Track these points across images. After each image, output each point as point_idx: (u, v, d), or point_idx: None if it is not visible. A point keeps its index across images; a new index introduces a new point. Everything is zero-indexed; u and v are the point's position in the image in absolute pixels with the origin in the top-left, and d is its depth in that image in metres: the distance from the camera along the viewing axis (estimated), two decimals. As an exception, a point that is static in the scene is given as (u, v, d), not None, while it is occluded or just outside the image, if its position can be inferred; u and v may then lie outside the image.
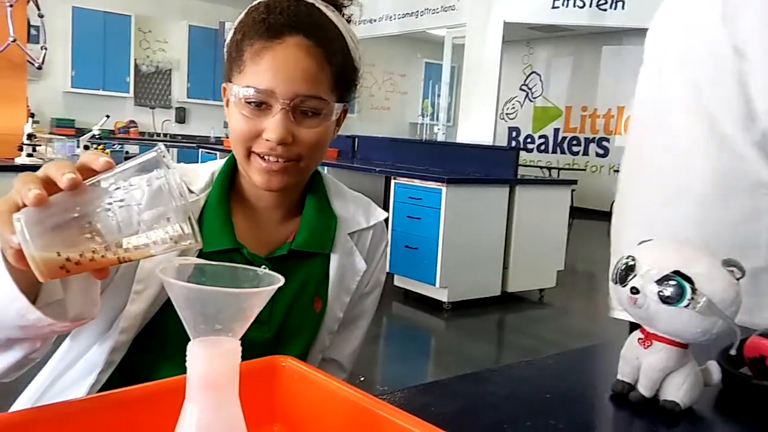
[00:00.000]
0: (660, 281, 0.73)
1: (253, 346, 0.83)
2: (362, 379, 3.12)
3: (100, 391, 0.83)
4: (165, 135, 9.83)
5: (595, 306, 5.47)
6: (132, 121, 9.60)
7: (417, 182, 4.59)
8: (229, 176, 0.91)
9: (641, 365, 0.78)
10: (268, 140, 0.81)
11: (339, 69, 0.83)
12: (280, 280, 0.46)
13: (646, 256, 0.76)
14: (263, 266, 0.87)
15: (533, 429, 0.70)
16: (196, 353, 0.45)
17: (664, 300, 0.72)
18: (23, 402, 0.87)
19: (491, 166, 5.04)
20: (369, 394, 0.58)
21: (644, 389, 0.77)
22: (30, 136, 4.06)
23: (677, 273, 0.72)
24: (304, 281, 0.92)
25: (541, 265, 5.01)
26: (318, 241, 0.92)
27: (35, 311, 0.56)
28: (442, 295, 4.51)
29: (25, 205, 0.48)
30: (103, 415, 0.56)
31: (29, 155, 4.02)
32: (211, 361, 0.45)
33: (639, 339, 0.78)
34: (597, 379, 0.86)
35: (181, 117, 10.12)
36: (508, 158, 5.04)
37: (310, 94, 0.80)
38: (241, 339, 0.47)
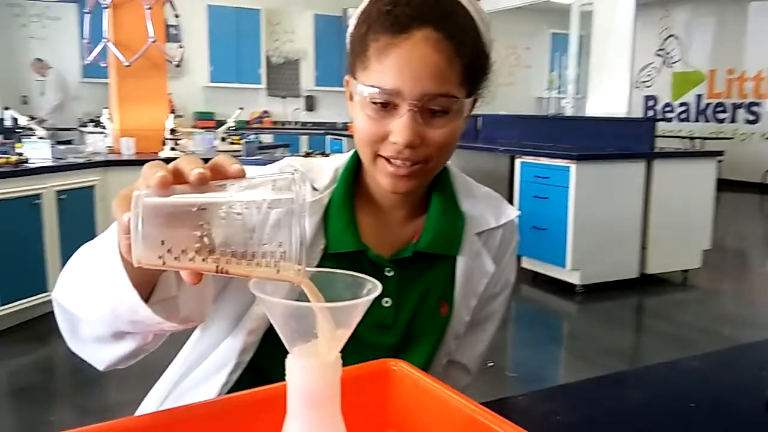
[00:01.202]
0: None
1: (378, 350, 0.81)
2: (491, 364, 3.07)
3: (230, 391, 0.84)
4: (295, 123, 10.21)
5: (749, 287, 5.02)
6: (265, 112, 10.06)
7: (543, 160, 4.42)
8: (353, 173, 0.88)
9: (806, 373, 0.67)
10: (395, 143, 0.77)
11: (470, 61, 0.77)
12: (377, 289, 0.43)
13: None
14: (387, 269, 0.85)
15: (674, 444, 0.63)
16: (295, 368, 0.43)
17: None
18: (156, 394, 0.90)
19: (625, 140, 4.73)
20: (477, 403, 0.54)
21: (810, 401, 0.67)
22: (172, 131, 4.36)
23: None
24: (430, 284, 0.88)
25: (685, 244, 4.65)
26: (444, 242, 0.88)
27: (146, 308, 0.57)
28: (574, 278, 4.33)
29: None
30: (223, 418, 0.56)
31: (172, 149, 4.33)
32: (311, 375, 0.43)
33: (803, 343, 0.67)
34: (751, 384, 0.76)
35: (310, 105, 10.46)
36: (645, 130, 4.71)
37: (439, 92, 0.75)
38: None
